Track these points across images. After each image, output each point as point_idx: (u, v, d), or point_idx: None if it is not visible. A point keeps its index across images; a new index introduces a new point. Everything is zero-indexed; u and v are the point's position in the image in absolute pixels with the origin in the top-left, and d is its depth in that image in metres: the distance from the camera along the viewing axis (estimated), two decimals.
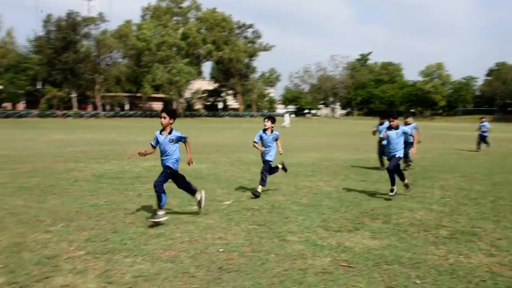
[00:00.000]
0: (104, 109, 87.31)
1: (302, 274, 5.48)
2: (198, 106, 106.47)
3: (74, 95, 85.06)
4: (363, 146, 23.46)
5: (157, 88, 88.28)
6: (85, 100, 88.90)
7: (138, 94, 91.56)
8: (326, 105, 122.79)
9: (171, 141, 7.91)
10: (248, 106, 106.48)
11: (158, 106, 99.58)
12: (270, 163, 10.47)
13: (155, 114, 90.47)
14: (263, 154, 10.56)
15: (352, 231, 7.38)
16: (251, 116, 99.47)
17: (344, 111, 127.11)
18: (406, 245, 6.71)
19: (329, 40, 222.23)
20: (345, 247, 6.54)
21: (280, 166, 11.06)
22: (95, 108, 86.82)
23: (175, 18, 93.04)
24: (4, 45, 74.95)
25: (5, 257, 5.97)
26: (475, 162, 18.27)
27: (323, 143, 28.34)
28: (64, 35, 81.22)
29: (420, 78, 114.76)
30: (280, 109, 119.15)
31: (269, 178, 10.86)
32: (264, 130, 10.45)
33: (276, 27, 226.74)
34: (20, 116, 74.58)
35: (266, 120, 10.61)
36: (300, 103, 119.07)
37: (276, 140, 10.61)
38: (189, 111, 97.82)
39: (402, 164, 13.60)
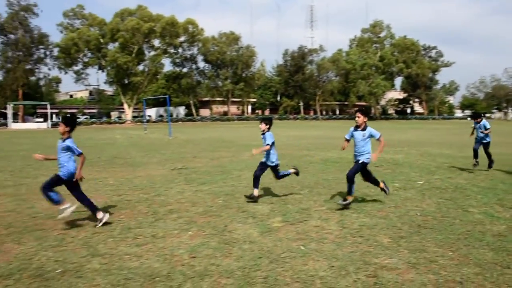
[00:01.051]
0: (321, 114, 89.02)
1: (482, 234, 5.43)
2: (391, 111, 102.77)
3: (301, 104, 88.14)
4: None
5: (359, 98, 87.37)
6: (308, 107, 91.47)
7: (346, 103, 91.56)
8: (499, 109, 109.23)
9: (63, 149, 5.84)
10: (431, 111, 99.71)
11: None
12: (267, 165, 7.54)
13: None
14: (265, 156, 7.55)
15: None
16: (433, 119, 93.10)
17: None
18: None
19: (501, 55, 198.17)
20: None
21: (292, 170, 7.96)
22: (315, 113, 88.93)
23: (374, 45, 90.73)
24: (259, 72, 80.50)
25: (278, 206, 6.93)
26: None
27: (500, 142, 25.76)
28: (296, 63, 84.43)
29: None
30: (458, 113, 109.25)
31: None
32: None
33: (457, 46, 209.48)
34: None
35: (260, 122, 7.64)
36: (475, 108, 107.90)
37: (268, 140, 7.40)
38: (384, 115, 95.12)
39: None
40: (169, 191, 8.46)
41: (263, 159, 7.57)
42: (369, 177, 7.22)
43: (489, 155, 11.48)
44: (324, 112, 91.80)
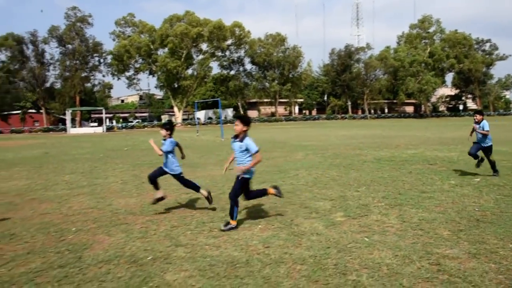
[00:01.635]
0: (369, 113, 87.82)
1: None
2: (442, 108, 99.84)
3: (349, 103, 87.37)
4: None
5: (408, 95, 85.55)
6: (356, 106, 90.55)
7: (395, 101, 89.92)
8: None
9: None
10: (485, 107, 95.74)
11: (410, 109, 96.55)
12: (176, 174, 7.06)
13: (408, 115, 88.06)
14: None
15: None
16: (488, 115, 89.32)
17: None
18: None
19: None
20: None
21: (204, 192, 7.11)
22: (363, 112, 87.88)
23: (423, 41, 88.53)
24: (305, 72, 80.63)
25: (338, 203, 7.32)
26: None
27: None
28: (343, 62, 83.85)
29: None
30: None
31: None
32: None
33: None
34: (314, 119, 79.83)
35: (161, 128, 7.15)
36: None
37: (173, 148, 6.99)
38: (435, 112, 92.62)
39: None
40: None
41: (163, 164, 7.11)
42: (249, 194, 6.32)
43: (492, 164, 9.93)
44: (372, 111, 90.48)
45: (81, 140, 36.59)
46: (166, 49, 70.79)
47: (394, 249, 4.85)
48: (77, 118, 72.90)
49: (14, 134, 60.96)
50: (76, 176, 12.22)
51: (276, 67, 78.49)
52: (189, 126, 67.91)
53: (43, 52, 71.20)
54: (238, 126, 5.97)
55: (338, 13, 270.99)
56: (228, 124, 67.14)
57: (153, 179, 7.15)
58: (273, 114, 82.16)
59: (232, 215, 5.99)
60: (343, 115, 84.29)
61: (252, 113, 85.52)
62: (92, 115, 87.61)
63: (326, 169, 11.57)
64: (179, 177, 7.11)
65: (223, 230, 5.87)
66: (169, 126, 7.01)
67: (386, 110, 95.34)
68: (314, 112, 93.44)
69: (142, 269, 4.56)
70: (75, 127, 66.58)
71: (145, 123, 74.19)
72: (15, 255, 5.18)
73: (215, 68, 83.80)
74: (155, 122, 76.41)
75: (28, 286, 4.24)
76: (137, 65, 73.42)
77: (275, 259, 4.68)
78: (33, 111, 76.52)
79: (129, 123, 76.53)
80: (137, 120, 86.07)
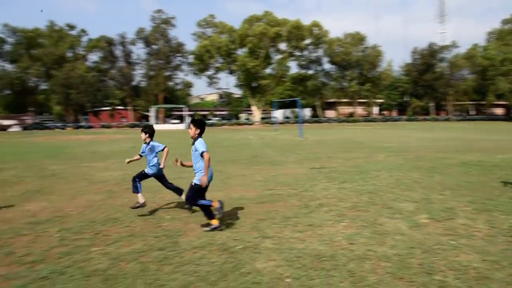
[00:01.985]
0: (453, 114, 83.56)
1: None
2: None
3: (431, 104, 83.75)
4: None
5: (498, 96, 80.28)
6: (439, 107, 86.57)
7: (482, 102, 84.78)
8: None
9: None
10: None
11: (499, 111, 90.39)
12: (146, 174, 7.24)
13: (497, 118, 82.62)
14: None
15: None
16: None
17: None
18: None
19: None
20: None
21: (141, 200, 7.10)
22: (446, 113, 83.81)
23: None
24: (385, 71, 78.59)
25: (421, 205, 7.26)
26: None
27: None
28: (425, 61, 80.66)
29: None
30: None
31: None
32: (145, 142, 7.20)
33: None
34: (394, 120, 77.48)
35: (141, 131, 7.29)
36: None
37: (154, 151, 7.16)
38: None
39: None
40: (314, 187, 9.22)
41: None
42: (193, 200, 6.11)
43: None
44: (457, 113, 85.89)
45: (164, 135, 38.43)
46: (245, 49, 72.30)
47: (482, 253, 4.80)
48: (160, 115, 76.78)
49: (104, 129, 65.56)
50: (164, 170, 13.00)
51: (355, 66, 77.28)
52: (267, 125, 68.82)
53: (131, 53, 76.20)
54: (192, 130, 6.01)
55: (420, 9, 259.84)
56: (306, 124, 67.27)
57: (171, 187, 7.64)
58: (351, 115, 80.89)
59: (208, 216, 6.12)
60: (424, 116, 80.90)
61: (330, 113, 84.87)
62: (173, 112, 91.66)
63: (407, 171, 11.37)
64: (144, 174, 7.26)
65: (207, 231, 5.98)
66: (148, 130, 7.22)
67: (472, 112, 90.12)
68: (394, 113, 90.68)
69: (233, 257, 4.93)
70: (158, 123, 70.16)
71: (224, 121, 76.27)
72: (119, 237, 5.81)
73: (293, 68, 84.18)
74: (234, 120, 78.29)
75: (134, 264, 4.77)
76: (217, 65, 75.76)
77: (359, 255, 4.84)
78: (121, 107, 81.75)
79: (209, 121, 79.19)
80: (216, 118, 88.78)
